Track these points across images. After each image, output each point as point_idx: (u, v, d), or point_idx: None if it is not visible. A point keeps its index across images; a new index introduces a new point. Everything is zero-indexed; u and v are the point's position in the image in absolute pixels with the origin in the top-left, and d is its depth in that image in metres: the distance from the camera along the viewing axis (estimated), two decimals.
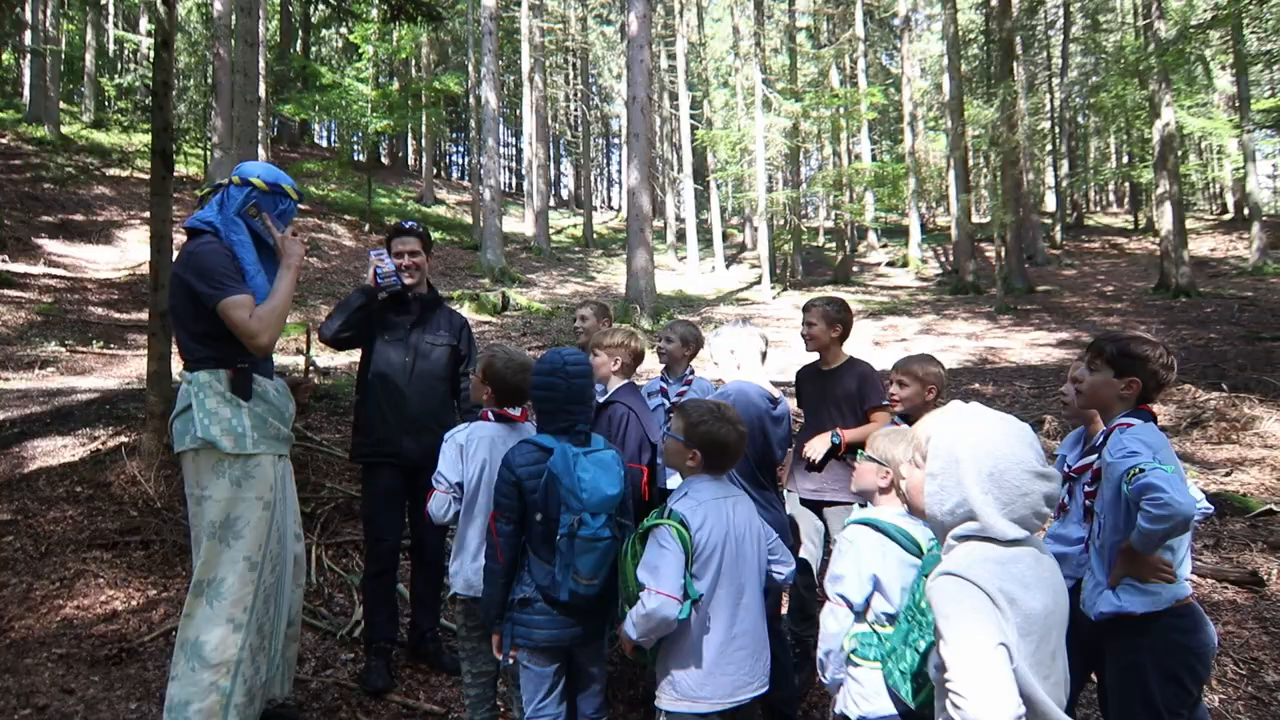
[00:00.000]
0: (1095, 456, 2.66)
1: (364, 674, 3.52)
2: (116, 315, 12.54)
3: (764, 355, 3.49)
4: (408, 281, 3.62)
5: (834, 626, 2.14)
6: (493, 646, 2.67)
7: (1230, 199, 33.68)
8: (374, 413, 3.58)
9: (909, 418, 3.50)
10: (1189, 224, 22.06)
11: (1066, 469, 2.75)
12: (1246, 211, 24.69)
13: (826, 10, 29.21)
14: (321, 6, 32.58)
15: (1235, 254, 24.43)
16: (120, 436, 5.86)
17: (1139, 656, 2.18)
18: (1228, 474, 6.10)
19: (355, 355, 11.09)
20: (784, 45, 28.58)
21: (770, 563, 2.57)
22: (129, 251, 16.73)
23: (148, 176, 21.05)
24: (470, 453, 2.90)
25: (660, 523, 2.34)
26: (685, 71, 28.83)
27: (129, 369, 9.79)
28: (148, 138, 24.02)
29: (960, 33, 23.94)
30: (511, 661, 2.57)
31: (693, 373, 4.33)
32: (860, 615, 2.13)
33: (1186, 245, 18.65)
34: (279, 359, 10.54)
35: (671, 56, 30.85)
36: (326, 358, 11.21)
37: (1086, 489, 2.41)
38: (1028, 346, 13.87)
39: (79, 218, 17.87)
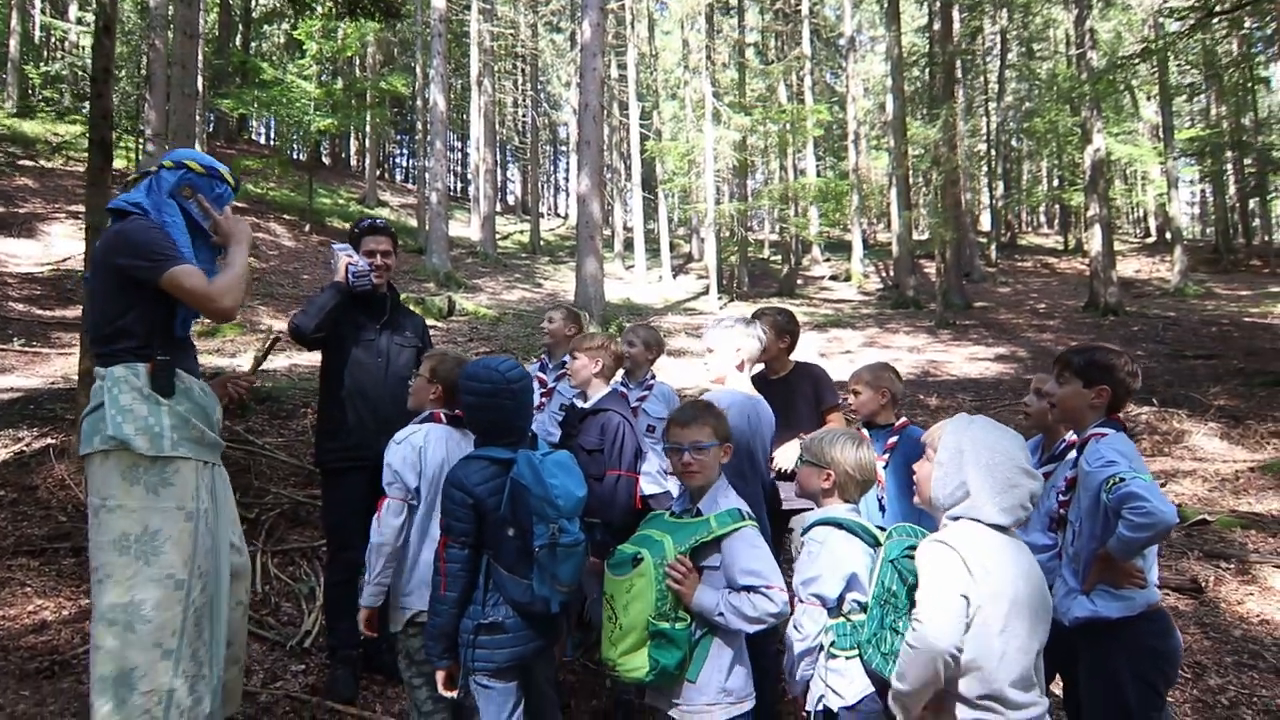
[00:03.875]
0: (1054, 465, 2.72)
1: (329, 683, 3.39)
2: (39, 312, 11.94)
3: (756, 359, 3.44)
4: (376, 280, 3.53)
5: (811, 626, 2.17)
6: (439, 683, 2.47)
7: (1153, 223, 35.31)
8: (347, 416, 3.46)
9: (870, 424, 3.54)
10: (1115, 246, 23.02)
11: None
12: (1169, 235, 25.87)
13: (775, 27, 29.69)
14: (264, 1, 31.82)
15: (1158, 276, 25.58)
16: (46, 438, 5.56)
17: (1113, 660, 2.23)
18: (1163, 485, 6.34)
19: (295, 358, 10.72)
20: (733, 60, 28.90)
21: None
22: (53, 246, 15.96)
23: (74, 168, 20.11)
24: (428, 456, 2.79)
25: (743, 525, 2.34)
26: (635, 82, 28.95)
27: (53, 368, 9.32)
28: (74, 128, 23.07)
29: (903, 55, 24.59)
30: (459, 696, 2.45)
31: (653, 377, 4.31)
32: (833, 610, 2.17)
33: (1115, 266, 19.42)
34: (214, 360, 10.19)
35: (622, 66, 30.95)
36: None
37: (1060, 497, 2.46)
38: (967, 360, 14.24)
39: None
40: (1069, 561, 2.36)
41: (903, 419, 3.37)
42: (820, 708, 2.13)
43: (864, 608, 2.11)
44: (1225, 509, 5.82)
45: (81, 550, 4.21)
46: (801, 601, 2.20)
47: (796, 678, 2.20)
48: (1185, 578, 4.56)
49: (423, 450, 2.81)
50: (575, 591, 2.46)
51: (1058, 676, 2.75)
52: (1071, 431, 2.63)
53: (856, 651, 2.07)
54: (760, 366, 3.75)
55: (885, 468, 3.30)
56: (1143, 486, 2.06)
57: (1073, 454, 2.58)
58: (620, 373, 4.27)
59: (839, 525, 2.24)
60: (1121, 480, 2.11)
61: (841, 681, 2.09)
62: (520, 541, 2.39)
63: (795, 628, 2.19)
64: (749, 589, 2.23)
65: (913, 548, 2.01)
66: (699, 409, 2.55)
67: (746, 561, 2.26)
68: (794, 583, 2.26)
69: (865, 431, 3.50)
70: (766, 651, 3.15)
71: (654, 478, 3.98)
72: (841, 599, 2.15)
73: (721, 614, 2.22)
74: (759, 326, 3.39)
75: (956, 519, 1.93)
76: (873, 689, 2.06)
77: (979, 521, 1.89)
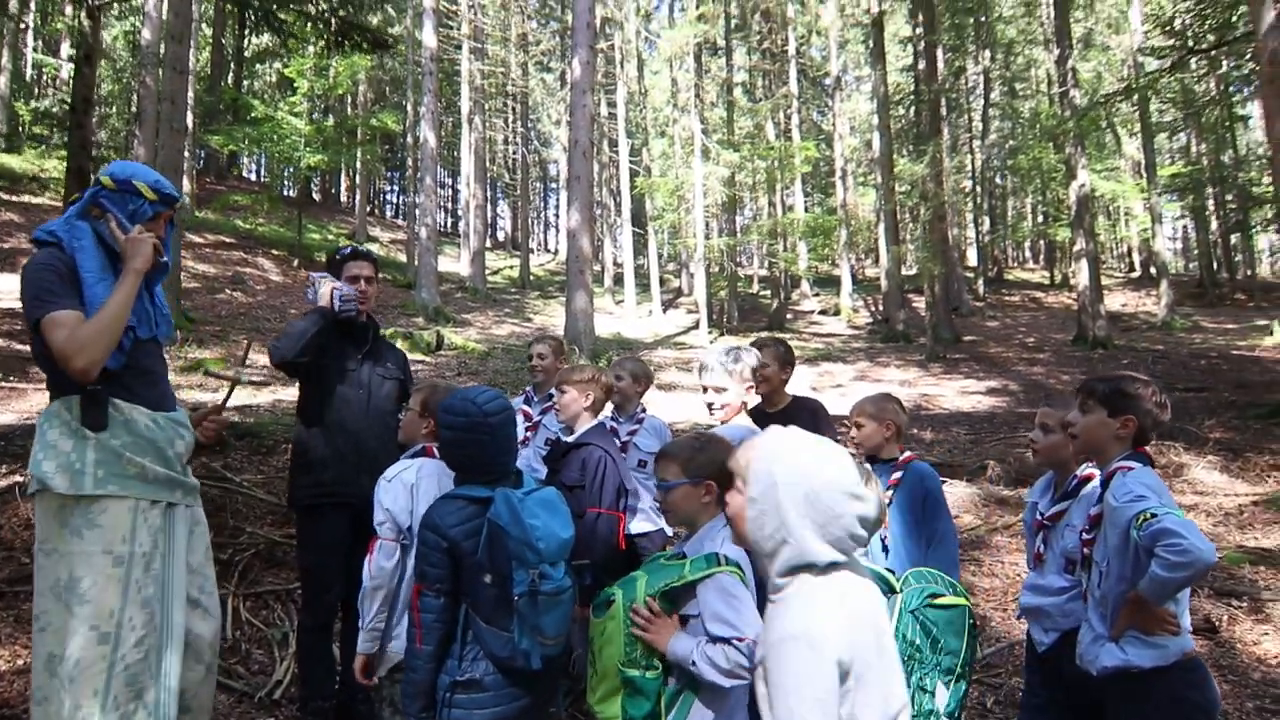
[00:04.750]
0: (1068, 503, 2.57)
1: None
2: (18, 346, 11.68)
3: None
4: (361, 307, 3.38)
5: None
6: None
7: (1137, 258, 35.68)
8: (327, 450, 3.27)
9: (873, 459, 3.40)
10: (1101, 280, 23.16)
11: (1039, 517, 2.66)
12: (1154, 270, 26.07)
13: (762, 67, 30.10)
14: (257, 40, 32.08)
15: (1144, 309, 25.73)
16: (14, 476, 5.34)
17: (1146, 713, 2.06)
18: None
19: (280, 393, 10.53)
20: (721, 99, 29.26)
21: None
22: None
23: (60, 204, 20.03)
24: (420, 492, 2.63)
25: (717, 570, 2.08)
26: (625, 119, 29.19)
27: (28, 403, 9.08)
28: (62, 163, 23.00)
29: (889, 93, 24.92)
30: None
31: (643, 410, 4.17)
32: None
33: (1102, 300, 19.51)
34: (196, 396, 9.97)
35: (612, 105, 31.24)
36: (247, 395, 10.65)
37: (1084, 536, 2.31)
38: (959, 394, 14.16)
39: None
40: (1095, 605, 2.19)
41: (908, 453, 3.22)
42: None
43: None
44: (1232, 544, 5.68)
45: None
46: None
47: None
48: (1198, 617, 4.40)
49: (414, 488, 2.67)
50: (561, 644, 2.26)
51: None
52: (1089, 465, 2.49)
53: None
54: (758, 399, 3.61)
55: (889, 505, 3.15)
56: (1177, 522, 1.91)
57: (1088, 489, 2.44)
58: (610, 407, 4.14)
59: None
60: (1153, 516, 1.95)
61: None
62: (498, 589, 2.19)
63: None
64: (722, 639, 2.02)
65: (934, 595, 1.84)
66: (674, 446, 2.39)
67: (718, 609, 2.04)
68: None
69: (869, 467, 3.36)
70: None
71: (648, 514, 3.83)
72: None
73: (694, 664, 2.01)
74: (756, 356, 3.28)
75: (790, 573, 1.55)
76: None
77: (813, 568, 1.53)
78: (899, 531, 3.01)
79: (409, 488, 2.67)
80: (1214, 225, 29.81)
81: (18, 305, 10.25)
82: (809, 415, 3.76)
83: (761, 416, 3.77)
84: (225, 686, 3.50)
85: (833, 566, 1.54)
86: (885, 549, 3.06)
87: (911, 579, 2.04)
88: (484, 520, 2.21)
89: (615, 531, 3.17)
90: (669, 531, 3.85)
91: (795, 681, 1.42)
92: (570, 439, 3.31)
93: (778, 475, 1.55)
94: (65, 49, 29.34)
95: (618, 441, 3.91)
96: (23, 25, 26.88)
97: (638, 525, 3.74)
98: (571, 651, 3.13)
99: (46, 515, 2.26)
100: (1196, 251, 33.78)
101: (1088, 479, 2.48)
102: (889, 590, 2.03)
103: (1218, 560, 5.19)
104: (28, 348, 11.64)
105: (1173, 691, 2.07)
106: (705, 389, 3.26)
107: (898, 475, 3.15)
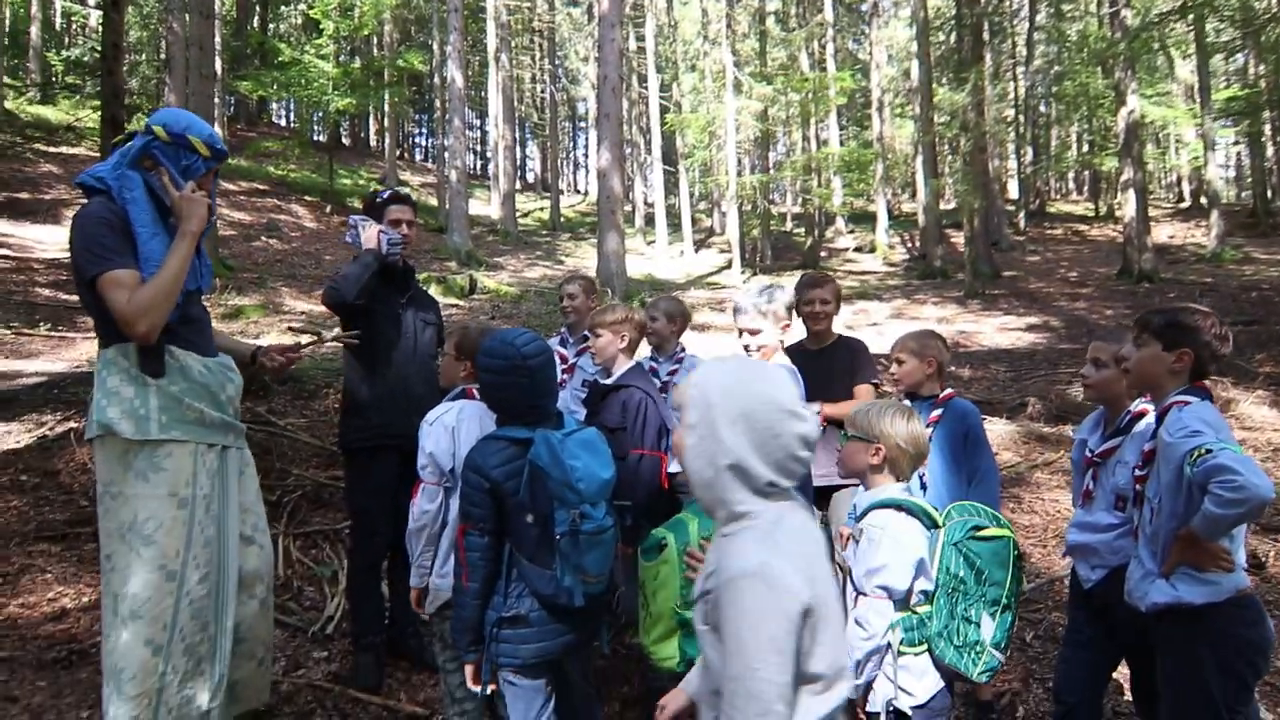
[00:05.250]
0: (1120, 439, 2.52)
1: (353, 672, 3.30)
2: (65, 297, 11.96)
3: None
4: (403, 251, 3.39)
5: (879, 622, 1.97)
6: (467, 677, 2.34)
7: (1187, 188, 34.39)
8: (376, 394, 3.32)
9: (912, 395, 3.36)
10: (1149, 211, 22.36)
11: (1089, 454, 2.61)
12: (1204, 200, 25.14)
13: None
14: None
15: (1194, 241, 24.88)
16: (69, 422, 5.52)
17: (1197, 650, 2.04)
18: None
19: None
20: (753, 29, 28.37)
21: None
22: None
23: (97, 154, 20.23)
24: (462, 434, 2.65)
25: None
26: (654, 54, 28.52)
27: (78, 352, 9.33)
28: (96, 113, 23.14)
29: (929, 18, 23.94)
30: (491, 691, 2.31)
31: (683, 350, 4.14)
32: (899, 602, 1.98)
33: (1149, 231, 18.89)
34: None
35: (640, 39, 30.50)
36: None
37: (1137, 473, 2.26)
38: (998, 330, 13.92)
39: (24, 196, 17.10)
40: (1147, 541, 2.16)
41: (948, 390, 3.18)
42: (890, 709, 1.97)
43: (929, 597, 1.94)
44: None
45: None
46: (864, 595, 2.01)
47: (860, 679, 2.00)
48: (1245, 553, 4.34)
49: (455, 430, 2.69)
50: (604, 581, 2.29)
51: (1122, 663, 2.59)
52: (1142, 401, 2.43)
53: (925, 647, 1.90)
54: (797, 337, 3.58)
55: (930, 442, 3.12)
56: (1233, 458, 1.85)
57: (1142, 424, 2.39)
58: (648, 349, 4.12)
59: (898, 507, 2.03)
60: (1208, 452, 1.89)
61: (912, 680, 1.92)
62: (540, 529, 2.22)
63: (859, 624, 2.00)
64: None
65: (977, 527, 1.83)
66: None
67: None
68: (854, 574, 2.08)
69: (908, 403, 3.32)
70: None
71: None
72: (909, 590, 1.96)
73: None
74: (789, 293, 3.25)
75: (738, 502, 1.44)
76: (943, 684, 1.90)
77: (760, 494, 1.43)
78: (940, 469, 3.00)
79: (450, 430, 2.69)
80: (1270, 151, 28.51)
81: (62, 256, 10.51)
82: (849, 353, 3.73)
83: (805, 354, 3.74)
84: (280, 622, 3.63)
85: (780, 494, 1.45)
86: (924, 486, 3.05)
87: (954, 512, 2.03)
88: (525, 461, 2.23)
89: (658, 473, 3.20)
90: None
91: (749, 620, 1.32)
92: (608, 381, 3.31)
93: (712, 397, 1.47)
94: None
95: (657, 382, 3.90)
96: None
97: (677, 465, 3.76)
98: (616, 589, 3.19)
99: (110, 459, 2.32)
100: (1250, 180, 32.38)
101: (1141, 414, 2.42)
102: (932, 524, 2.02)
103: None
104: (74, 298, 11.93)
105: (1224, 628, 2.04)
106: (741, 331, 3.24)
107: (938, 413, 3.12)
